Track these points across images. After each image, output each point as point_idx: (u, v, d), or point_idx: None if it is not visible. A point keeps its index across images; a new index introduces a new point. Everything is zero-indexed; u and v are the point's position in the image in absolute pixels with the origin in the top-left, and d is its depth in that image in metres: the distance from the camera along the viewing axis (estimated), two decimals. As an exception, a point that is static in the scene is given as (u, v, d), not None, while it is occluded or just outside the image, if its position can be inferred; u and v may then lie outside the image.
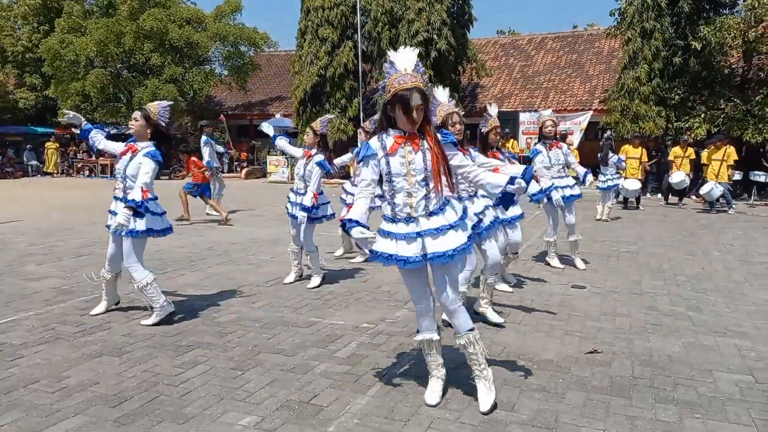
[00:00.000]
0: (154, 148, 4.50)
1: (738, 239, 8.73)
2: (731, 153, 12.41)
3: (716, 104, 15.86)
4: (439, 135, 3.13)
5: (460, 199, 4.04)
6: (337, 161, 6.36)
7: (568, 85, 21.65)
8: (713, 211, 12.20)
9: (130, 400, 3.21)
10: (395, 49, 3.28)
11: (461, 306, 3.16)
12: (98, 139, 4.85)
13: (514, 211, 5.11)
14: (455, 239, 3.00)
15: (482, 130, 4.88)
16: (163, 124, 4.65)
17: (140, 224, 4.40)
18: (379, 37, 19.24)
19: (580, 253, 6.83)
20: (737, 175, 13.23)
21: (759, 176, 13.76)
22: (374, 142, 3.05)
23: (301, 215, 5.50)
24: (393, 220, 3.05)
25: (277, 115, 23.38)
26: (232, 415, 3.05)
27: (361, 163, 3.05)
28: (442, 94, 4.05)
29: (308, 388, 3.37)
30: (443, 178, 3.01)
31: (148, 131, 4.57)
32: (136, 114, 4.58)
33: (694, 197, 14.33)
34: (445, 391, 3.27)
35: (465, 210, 3.20)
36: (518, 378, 3.53)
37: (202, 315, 4.77)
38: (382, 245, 3.04)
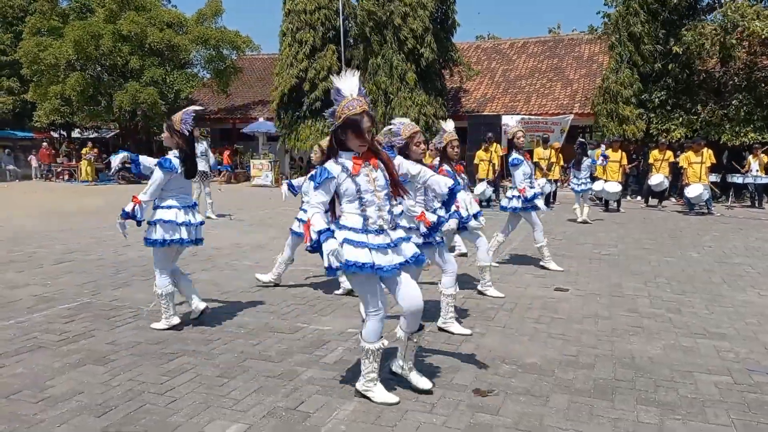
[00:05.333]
0: (165, 156, 4.47)
1: (716, 241, 8.90)
2: (709, 156, 12.64)
3: (694, 108, 16.15)
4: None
5: (434, 210, 4.35)
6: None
7: (550, 89, 21.87)
8: (692, 213, 12.42)
9: (115, 409, 3.18)
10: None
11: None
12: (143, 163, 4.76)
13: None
14: (412, 248, 3.32)
15: (437, 146, 5.07)
16: (186, 133, 4.54)
17: (155, 234, 4.41)
18: (368, 41, 19.24)
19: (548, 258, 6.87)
20: (712, 177, 13.47)
21: (737, 178, 14.05)
22: (333, 165, 3.16)
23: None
24: (365, 231, 3.17)
25: (260, 119, 23.32)
26: (218, 423, 3.04)
27: (318, 187, 3.13)
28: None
29: (295, 395, 3.37)
30: (399, 189, 3.33)
31: (174, 141, 4.50)
32: (165, 127, 4.57)
33: (673, 199, 14.58)
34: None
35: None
36: (503, 382, 3.57)
37: (186, 322, 4.74)
38: (356, 255, 3.10)
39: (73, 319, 4.78)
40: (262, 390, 3.44)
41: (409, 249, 3.29)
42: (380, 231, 3.19)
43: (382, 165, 3.26)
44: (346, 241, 3.11)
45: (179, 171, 4.46)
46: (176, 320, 4.57)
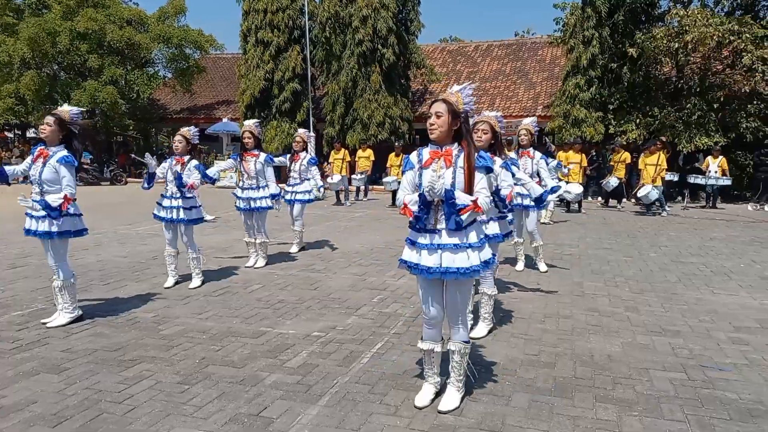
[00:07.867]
0: (66, 153, 4.60)
1: (672, 241, 9.17)
2: (665, 158, 13.05)
3: (651, 111, 16.62)
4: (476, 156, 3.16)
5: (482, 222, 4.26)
6: (212, 170, 6.48)
7: (513, 92, 22.19)
8: (649, 213, 12.78)
9: (71, 419, 3.09)
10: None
11: (464, 323, 3.26)
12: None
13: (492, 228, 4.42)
14: (470, 259, 3.10)
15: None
16: (75, 130, 4.73)
17: (62, 225, 4.57)
18: (328, 42, 19.21)
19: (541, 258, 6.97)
20: (669, 176, 13.86)
21: (700, 179, 14.53)
22: (414, 156, 3.25)
23: (209, 217, 5.79)
24: (418, 229, 3.17)
25: (225, 119, 23.01)
26: (179, 430, 2.98)
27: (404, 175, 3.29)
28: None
29: (258, 401, 3.34)
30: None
31: (60, 136, 4.65)
32: (49, 119, 4.60)
33: (633, 200, 14.97)
34: (435, 398, 3.36)
35: (486, 236, 3.32)
36: (466, 382, 3.59)
37: (146, 327, 4.64)
38: (407, 254, 3.21)
39: (26, 326, 4.63)
40: (224, 396, 3.39)
41: (461, 259, 3.07)
42: (433, 231, 3.11)
43: (460, 164, 3.07)
44: (406, 238, 3.23)
45: None
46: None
